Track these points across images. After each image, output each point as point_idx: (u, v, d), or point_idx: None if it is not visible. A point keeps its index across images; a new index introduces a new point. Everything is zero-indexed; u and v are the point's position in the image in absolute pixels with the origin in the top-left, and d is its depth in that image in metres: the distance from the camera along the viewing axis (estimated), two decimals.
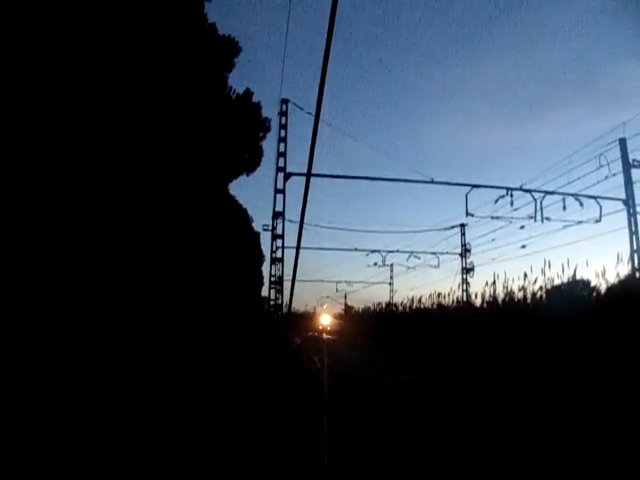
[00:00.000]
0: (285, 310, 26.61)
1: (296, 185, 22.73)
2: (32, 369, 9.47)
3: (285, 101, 23.80)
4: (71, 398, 7.70)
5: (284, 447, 5.14)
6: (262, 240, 31.36)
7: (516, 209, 21.82)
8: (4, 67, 10.99)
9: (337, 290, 51.35)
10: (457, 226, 33.38)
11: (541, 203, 21.29)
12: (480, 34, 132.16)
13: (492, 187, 22.27)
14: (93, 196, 12.93)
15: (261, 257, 32.55)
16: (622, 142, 19.55)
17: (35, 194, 11.58)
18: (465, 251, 34.15)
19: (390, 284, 46.79)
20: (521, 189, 21.58)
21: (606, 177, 19.16)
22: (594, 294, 15.99)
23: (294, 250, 13.26)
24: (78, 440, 5.26)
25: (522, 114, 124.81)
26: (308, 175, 3.66)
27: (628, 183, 19.97)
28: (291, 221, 23.74)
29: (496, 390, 10.71)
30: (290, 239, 24.24)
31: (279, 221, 23.96)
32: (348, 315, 53.50)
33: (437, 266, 35.08)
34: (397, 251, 35.89)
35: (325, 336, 45.53)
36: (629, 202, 20.20)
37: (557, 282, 17.32)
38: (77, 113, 12.59)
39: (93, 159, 12.94)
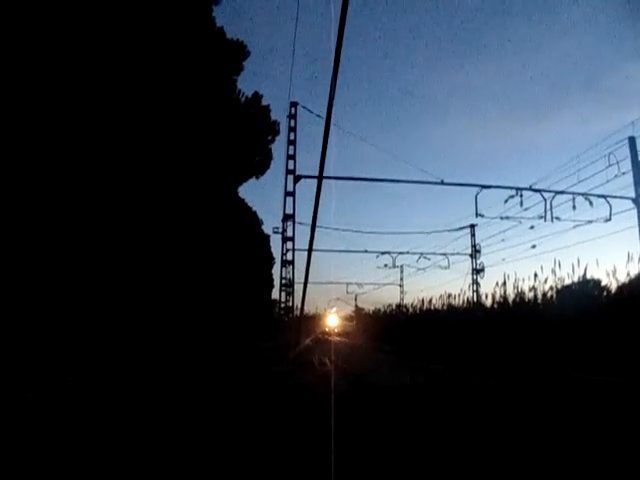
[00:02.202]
0: (297, 312, 26.62)
1: (306, 187, 22.74)
2: (45, 371, 9.60)
3: (294, 104, 23.86)
4: (83, 400, 7.80)
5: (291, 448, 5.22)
6: (272, 243, 31.52)
7: (526, 209, 21.75)
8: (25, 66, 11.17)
9: (347, 292, 51.43)
10: (467, 227, 33.26)
11: (551, 203, 21.21)
12: (486, 35, 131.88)
13: (502, 187, 22.22)
14: (104, 201, 13.06)
15: (271, 260, 32.70)
16: (631, 140, 19.46)
17: (48, 204, 11.73)
18: (475, 252, 34.01)
19: (400, 285, 46.78)
20: (531, 189, 21.52)
21: (615, 176, 19.08)
22: (605, 293, 15.95)
23: (305, 252, 13.27)
24: (90, 440, 5.36)
25: (529, 114, 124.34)
26: (320, 178, 3.70)
27: (638, 182, 19.87)
28: (301, 223, 23.73)
29: (511, 392, 10.73)
30: (300, 241, 24.22)
31: (289, 224, 23.95)
32: (358, 317, 53.46)
33: (447, 267, 34.95)
34: (407, 252, 35.81)
35: (336, 338, 45.52)
36: (639, 201, 20.11)
37: (567, 282, 17.31)
38: (89, 116, 12.73)
39: (104, 163, 13.07)
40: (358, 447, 5.19)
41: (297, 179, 22.28)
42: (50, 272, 11.70)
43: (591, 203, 20.76)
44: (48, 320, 11.45)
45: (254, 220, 27.66)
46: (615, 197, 20.56)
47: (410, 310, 33.37)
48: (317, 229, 4.74)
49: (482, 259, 33.67)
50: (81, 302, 12.35)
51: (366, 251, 35.66)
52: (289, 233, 24.14)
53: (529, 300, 18.89)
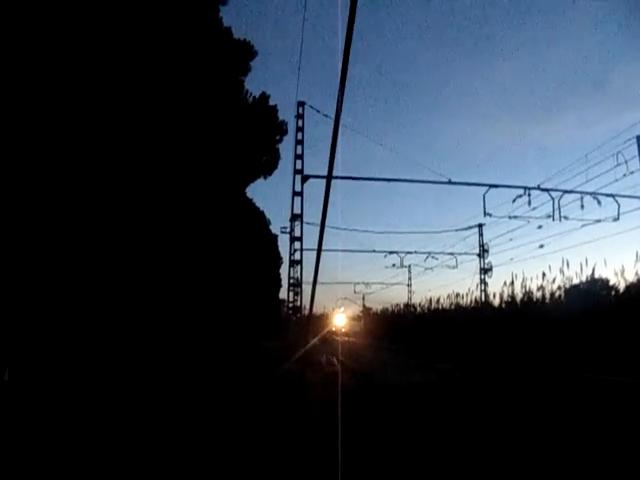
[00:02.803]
0: (305, 312, 26.64)
1: (314, 187, 22.74)
2: (53, 371, 9.69)
3: (301, 104, 23.86)
4: (89, 399, 7.86)
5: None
6: (280, 243, 31.53)
7: (534, 208, 21.67)
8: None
9: (355, 292, 51.40)
10: (475, 226, 33.19)
11: (559, 202, 21.14)
12: (493, 34, 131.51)
13: (510, 187, 22.15)
14: (110, 201, 13.12)
15: (279, 259, 32.69)
16: (639, 140, 19.39)
17: (49, 202, 11.80)
18: (483, 251, 33.92)
19: (408, 285, 46.71)
20: (539, 188, 21.44)
21: (624, 175, 18.99)
22: (613, 293, 15.92)
23: (313, 252, 13.25)
24: (95, 435, 5.42)
25: (536, 114, 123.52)
26: (329, 177, 3.72)
27: None
28: (309, 223, 23.69)
29: (520, 391, 10.73)
30: (308, 241, 24.21)
31: (297, 223, 23.95)
32: (366, 316, 53.45)
33: (455, 267, 34.85)
34: (415, 252, 35.72)
35: (343, 338, 45.53)
36: None
37: (576, 281, 17.29)
38: (95, 116, 12.80)
39: (110, 164, 13.14)
40: (366, 453, 5.22)
41: (305, 179, 22.28)
42: (57, 269, 11.78)
43: (599, 202, 20.67)
44: (56, 319, 11.53)
45: (262, 220, 27.68)
46: (624, 196, 20.48)
47: (418, 310, 33.39)
48: (325, 229, 4.76)
49: (490, 259, 33.60)
50: (87, 303, 12.42)
51: (374, 251, 35.61)
52: (297, 233, 24.14)
53: (537, 300, 18.87)
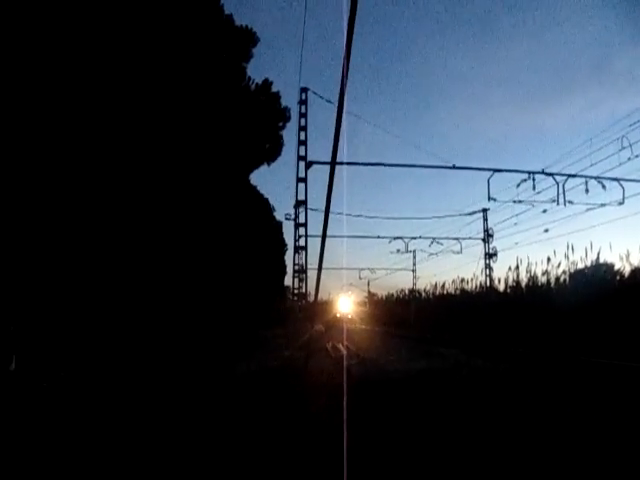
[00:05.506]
0: (310, 298, 26.64)
1: (318, 174, 22.66)
2: (58, 364, 9.76)
3: (304, 90, 23.74)
4: (92, 387, 7.93)
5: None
6: (285, 229, 31.53)
7: (538, 193, 21.59)
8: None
9: (360, 277, 51.44)
10: (479, 211, 33.06)
11: (563, 186, 21.05)
12: (495, 19, 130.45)
13: (514, 171, 22.04)
14: (111, 189, 13.13)
15: (284, 246, 32.71)
16: None
17: (49, 186, 11.82)
18: (488, 236, 33.81)
19: (413, 270, 46.66)
20: (543, 172, 21.34)
21: (629, 159, 18.89)
22: (618, 277, 15.91)
23: (317, 239, 13.26)
24: (98, 419, 5.47)
25: (539, 98, 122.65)
26: (333, 164, 3.73)
27: None
28: (313, 210, 23.63)
29: (525, 375, 10.75)
30: (313, 228, 24.21)
31: (301, 210, 23.89)
32: (371, 302, 53.55)
33: (460, 252, 34.75)
34: (420, 237, 35.65)
35: (348, 324, 45.61)
36: None
37: (580, 266, 17.30)
38: (96, 106, 12.79)
39: (111, 152, 13.14)
40: (372, 441, 5.24)
41: (308, 165, 22.21)
42: (61, 253, 11.83)
43: (604, 186, 20.56)
44: (61, 312, 11.59)
45: (266, 207, 27.66)
46: (628, 180, 20.38)
47: (423, 295, 33.46)
48: (330, 215, 4.77)
49: (495, 243, 33.50)
50: (90, 292, 12.47)
51: (378, 237, 35.52)
52: (301, 219, 24.12)
53: (542, 284, 18.91)
